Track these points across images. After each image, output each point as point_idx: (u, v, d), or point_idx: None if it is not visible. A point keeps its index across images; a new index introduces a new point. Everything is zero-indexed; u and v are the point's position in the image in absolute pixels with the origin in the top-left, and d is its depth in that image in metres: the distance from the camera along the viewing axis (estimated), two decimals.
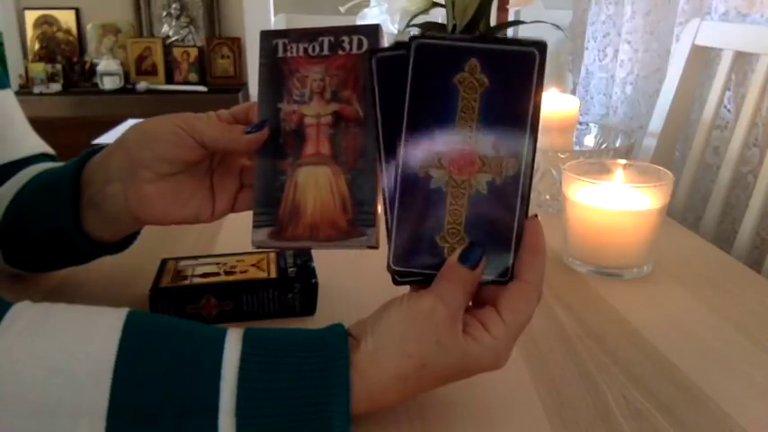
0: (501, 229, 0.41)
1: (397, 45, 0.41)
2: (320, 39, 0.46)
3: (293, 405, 0.38)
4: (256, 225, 0.47)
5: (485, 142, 0.41)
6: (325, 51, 0.45)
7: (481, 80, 0.40)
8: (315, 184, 0.46)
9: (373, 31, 0.45)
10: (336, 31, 0.45)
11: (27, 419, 0.35)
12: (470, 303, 0.42)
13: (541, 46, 0.40)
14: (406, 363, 0.39)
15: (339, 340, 0.40)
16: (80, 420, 0.36)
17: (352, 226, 0.45)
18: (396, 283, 0.42)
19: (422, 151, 0.41)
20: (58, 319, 0.39)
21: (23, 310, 0.39)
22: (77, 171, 0.52)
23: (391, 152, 0.41)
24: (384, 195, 0.42)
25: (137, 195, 0.48)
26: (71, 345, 0.37)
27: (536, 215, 0.42)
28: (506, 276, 0.41)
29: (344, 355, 0.39)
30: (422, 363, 0.39)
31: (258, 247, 0.47)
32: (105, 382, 0.36)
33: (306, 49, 0.46)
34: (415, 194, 0.41)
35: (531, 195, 0.42)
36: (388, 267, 0.42)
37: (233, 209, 0.52)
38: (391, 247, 0.42)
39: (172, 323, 0.41)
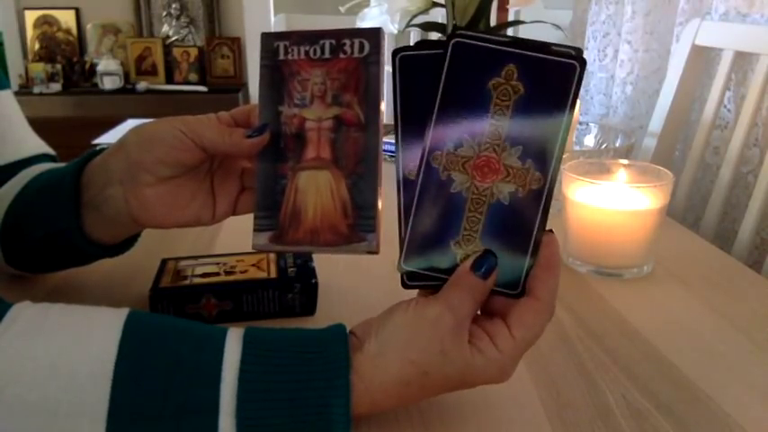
0: (517, 242, 0.40)
1: (422, 44, 0.41)
2: (321, 42, 0.45)
3: (293, 406, 0.38)
4: (257, 229, 0.47)
5: (512, 151, 0.40)
6: (327, 54, 0.45)
7: (516, 87, 0.39)
8: (315, 189, 0.45)
9: (375, 34, 0.44)
10: (338, 34, 0.45)
11: (27, 420, 0.35)
12: (479, 312, 0.42)
13: (582, 58, 0.39)
14: (408, 369, 0.39)
15: (339, 341, 0.40)
16: (80, 420, 0.36)
17: (353, 231, 0.44)
18: (405, 286, 0.42)
19: (446, 153, 0.40)
20: (57, 319, 0.39)
21: (23, 310, 0.39)
22: (78, 173, 0.52)
23: (410, 152, 0.41)
24: (399, 195, 0.41)
25: (137, 198, 0.48)
26: (71, 345, 0.37)
27: (551, 230, 0.41)
28: (518, 289, 0.41)
29: (345, 356, 0.39)
30: (424, 370, 0.39)
31: (259, 251, 0.47)
32: (105, 382, 0.36)
33: (307, 52, 0.45)
34: (435, 197, 0.40)
35: None
36: (399, 268, 0.41)
37: (234, 212, 0.52)
38: (403, 247, 0.41)
39: (172, 323, 0.41)
